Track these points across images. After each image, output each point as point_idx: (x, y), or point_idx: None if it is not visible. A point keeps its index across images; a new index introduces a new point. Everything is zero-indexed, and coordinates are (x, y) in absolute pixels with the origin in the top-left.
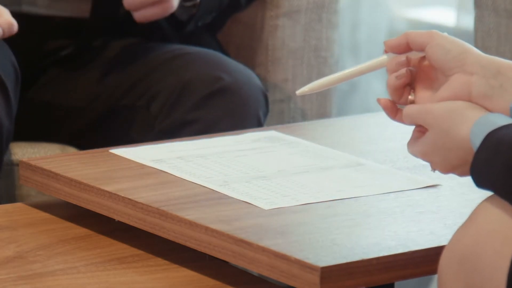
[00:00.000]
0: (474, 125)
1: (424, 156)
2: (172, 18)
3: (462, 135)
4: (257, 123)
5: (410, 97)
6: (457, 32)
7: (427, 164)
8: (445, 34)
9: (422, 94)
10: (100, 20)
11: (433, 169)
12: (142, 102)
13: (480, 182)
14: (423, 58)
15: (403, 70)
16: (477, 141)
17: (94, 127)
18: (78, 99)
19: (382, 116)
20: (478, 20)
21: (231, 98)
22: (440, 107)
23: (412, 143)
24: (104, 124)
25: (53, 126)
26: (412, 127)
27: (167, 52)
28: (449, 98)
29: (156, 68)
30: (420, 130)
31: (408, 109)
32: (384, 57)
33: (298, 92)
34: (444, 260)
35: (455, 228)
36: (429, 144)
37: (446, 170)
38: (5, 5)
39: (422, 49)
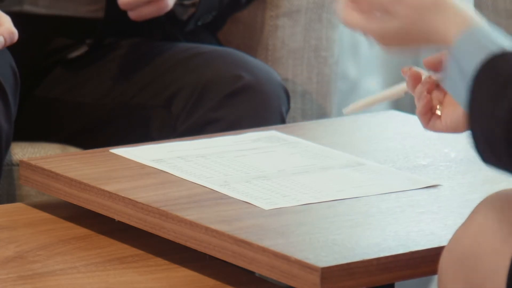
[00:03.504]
0: (460, 42)
1: (379, 38)
2: (172, 17)
3: (439, 30)
4: (280, 119)
5: (437, 111)
6: None
7: (428, 164)
8: None
9: (448, 108)
10: (112, 20)
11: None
12: (159, 101)
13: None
14: None
15: (424, 92)
16: (465, 66)
17: (103, 125)
18: (87, 96)
19: (382, 116)
20: None
21: (253, 96)
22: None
23: (354, 15)
24: (114, 122)
25: (60, 124)
26: None
27: (183, 51)
28: None
29: (173, 67)
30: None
31: None
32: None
33: (345, 111)
34: (444, 260)
35: (456, 228)
36: (389, 31)
37: (391, 47)
38: (6, 5)
39: None
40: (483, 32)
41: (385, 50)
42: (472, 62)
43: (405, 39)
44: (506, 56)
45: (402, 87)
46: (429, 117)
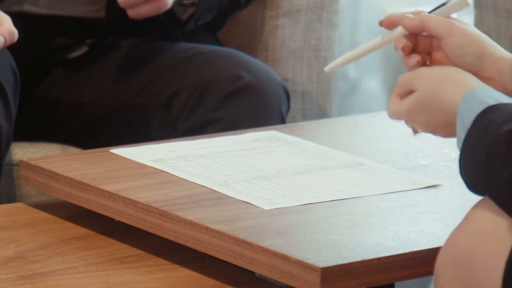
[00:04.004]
0: (463, 99)
1: (408, 114)
2: (172, 17)
3: (448, 99)
4: (280, 119)
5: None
6: None
7: (428, 164)
8: (463, 27)
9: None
10: (113, 20)
11: (416, 130)
12: (159, 101)
13: (464, 170)
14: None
15: (414, 60)
16: (466, 120)
17: (103, 125)
18: (87, 96)
19: (382, 116)
20: (478, 20)
21: (253, 96)
22: (431, 69)
23: (394, 104)
24: (114, 122)
25: (60, 124)
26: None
27: (183, 51)
28: None
29: (173, 67)
30: (402, 95)
31: (401, 76)
32: (399, 30)
33: (326, 68)
34: (440, 261)
35: None
36: (414, 104)
37: (429, 130)
38: (6, 5)
39: (437, 38)
40: (482, 91)
41: (416, 125)
42: (471, 115)
43: (427, 109)
44: (500, 105)
45: (378, 40)
46: None
